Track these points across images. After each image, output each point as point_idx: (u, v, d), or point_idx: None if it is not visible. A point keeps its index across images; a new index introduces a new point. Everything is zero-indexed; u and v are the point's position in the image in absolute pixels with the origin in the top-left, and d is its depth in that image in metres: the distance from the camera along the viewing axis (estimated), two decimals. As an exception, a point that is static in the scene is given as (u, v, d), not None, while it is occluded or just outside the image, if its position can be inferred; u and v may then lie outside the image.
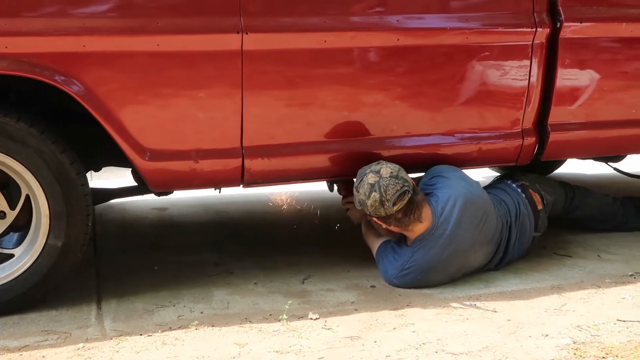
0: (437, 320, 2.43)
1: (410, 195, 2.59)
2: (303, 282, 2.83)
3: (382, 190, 2.56)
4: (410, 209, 2.61)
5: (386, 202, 2.57)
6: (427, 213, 2.67)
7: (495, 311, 2.51)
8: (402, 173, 2.62)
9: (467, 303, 2.59)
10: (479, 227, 2.75)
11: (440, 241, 2.66)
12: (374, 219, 2.69)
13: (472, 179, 2.85)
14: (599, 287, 2.77)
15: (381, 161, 2.67)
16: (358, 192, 2.63)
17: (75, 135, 2.60)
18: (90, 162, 2.89)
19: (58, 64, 2.34)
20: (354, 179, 2.71)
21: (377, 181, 2.58)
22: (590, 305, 2.58)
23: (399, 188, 2.57)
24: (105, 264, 3.02)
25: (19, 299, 2.45)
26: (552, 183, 3.28)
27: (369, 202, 2.59)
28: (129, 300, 2.61)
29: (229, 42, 2.50)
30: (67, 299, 2.58)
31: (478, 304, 2.59)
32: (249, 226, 3.69)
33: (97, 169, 3.03)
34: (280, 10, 2.56)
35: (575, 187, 3.39)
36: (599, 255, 3.18)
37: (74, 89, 2.36)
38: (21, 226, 2.50)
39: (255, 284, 2.80)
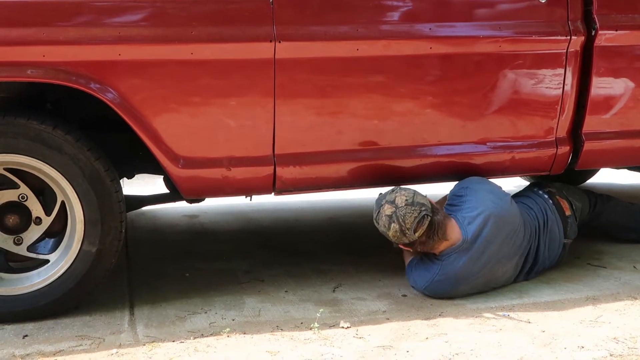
0: (469, 330, 2.40)
1: (429, 218, 2.57)
2: (334, 290, 2.82)
3: (401, 220, 2.56)
4: (433, 231, 2.60)
5: (407, 231, 2.57)
6: (452, 229, 2.65)
7: (529, 322, 2.48)
8: (418, 198, 2.60)
9: (500, 313, 2.56)
10: (508, 241, 2.72)
11: (469, 255, 2.64)
12: (400, 245, 2.68)
13: (501, 191, 2.82)
14: (635, 298, 2.73)
15: (395, 188, 2.66)
16: (378, 224, 2.63)
17: (108, 142, 2.64)
18: (123, 169, 2.92)
19: (93, 72, 2.36)
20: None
21: (394, 212, 2.57)
22: (627, 317, 2.54)
23: (416, 215, 2.56)
24: (137, 270, 3.05)
25: (54, 304, 2.48)
26: (576, 190, 3.25)
27: (390, 233, 2.60)
28: (161, 307, 2.62)
29: (262, 50, 2.51)
30: (100, 305, 2.61)
31: (511, 314, 2.56)
32: (279, 234, 3.69)
33: (130, 176, 3.06)
34: (312, 18, 2.57)
35: (598, 195, 3.35)
36: (634, 267, 3.13)
37: (108, 97, 2.39)
38: (56, 232, 2.53)
39: (286, 291, 2.80)
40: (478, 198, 2.72)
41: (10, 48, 2.29)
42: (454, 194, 2.82)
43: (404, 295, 2.76)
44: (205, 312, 2.58)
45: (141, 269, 3.07)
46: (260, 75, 2.53)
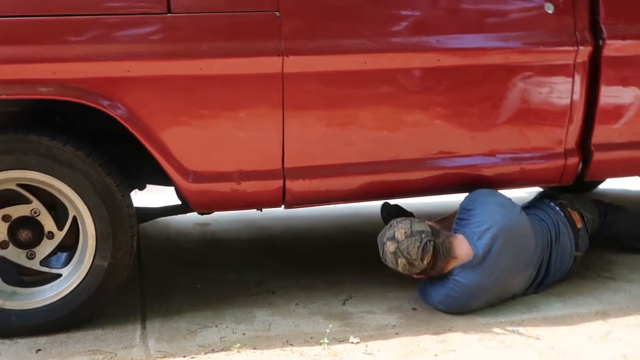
0: (479, 346, 2.41)
1: (432, 243, 2.59)
2: (344, 303, 2.83)
3: (405, 253, 2.59)
4: (440, 253, 2.62)
5: (415, 262, 2.59)
6: (459, 245, 2.66)
7: (539, 338, 2.48)
8: (415, 226, 2.62)
9: (510, 329, 2.56)
10: (519, 253, 2.72)
11: (481, 270, 2.64)
12: (414, 275, 2.70)
13: (510, 203, 2.81)
14: (645, 314, 2.72)
15: (392, 223, 2.68)
16: (386, 261, 2.66)
17: (118, 153, 2.65)
18: (134, 180, 2.95)
19: (103, 89, 2.38)
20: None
21: (396, 247, 2.60)
22: (637, 333, 2.52)
23: (419, 244, 2.58)
24: (150, 281, 3.07)
25: (67, 317, 2.51)
26: (586, 200, 3.24)
27: (400, 269, 2.64)
28: (172, 320, 2.65)
29: (270, 64, 2.52)
30: (112, 318, 2.63)
31: (520, 329, 2.56)
32: (290, 243, 3.70)
33: (141, 188, 3.09)
34: (320, 32, 2.57)
35: (607, 204, 3.34)
36: (645, 278, 3.12)
37: (118, 113, 2.41)
38: (69, 246, 2.56)
39: (296, 304, 2.81)
40: (486, 212, 2.72)
41: (21, 66, 2.31)
42: (463, 207, 2.82)
43: (414, 309, 2.76)
44: (216, 326, 2.59)
45: (154, 279, 3.09)
46: (269, 90, 2.54)
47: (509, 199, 2.83)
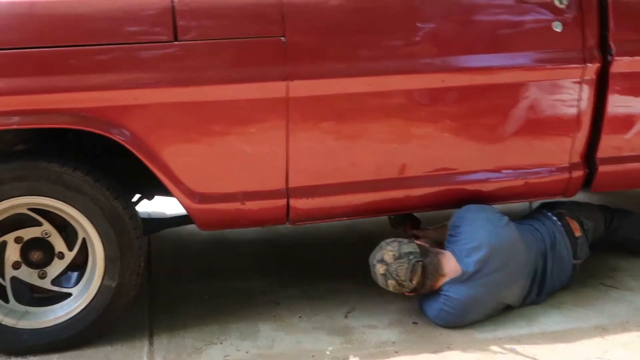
0: (475, 368, 2.47)
1: (421, 264, 2.67)
2: (346, 316, 2.90)
3: (395, 275, 2.68)
4: (428, 272, 2.71)
5: (404, 283, 2.68)
6: (447, 263, 2.74)
7: (535, 359, 2.53)
8: (404, 248, 2.71)
9: (508, 347, 2.62)
10: (508, 266, 2.77)
11: (470, 285, 2.71)
12: (405, 294, 2.78)
13: (497, 217, 2.84)
14: (644, 330, 2.76)
15: (381, 244, 2.77)
16: (377, 282, 2.76)
17: (128, 166, 2.70)
18: (143, 191, 3.02)
19: (112, 117, 2.43)
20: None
21: (386, 269, 2.70)
22: (633, 352, 2.57)
23: (407, 266, 2.67)
24: (159, 291, 3.16)
25: (77, 336, 2.60)
26: (591, 208, 3.26)
27: (390, 289, 2.74)
28: (179, 335, 2.73)
29: (275, 89, 2.55)
30: (121, 333, 2.71)
31: (518, 347, 2.62)
32: (296, 244, 3.76)
33: (150, 198, 3.16)
34: (324, 57, 2.59)
35: (615, 210, 3.36)
36: (647, 287, 3.15)
37: (126, 139, 2.46)
38: (79, 265, 2.64)
39: (299, 317, 2.89)
40: (473, 229, 2.78)
41: (36, 96, 2.37)
42: (452, 224, 2.87)
43: (415, 323, 2.83)
44: (221, 343, 2.68)
45: (163, 289, 3.18)
46: (274, 114, 2.58)
47: (496, 213, 2.87)
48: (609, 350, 2.60)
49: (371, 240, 3.19)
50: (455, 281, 2.71)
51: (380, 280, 2.75)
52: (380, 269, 2.73)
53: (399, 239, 2.77)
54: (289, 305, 3.01)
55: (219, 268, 3.45)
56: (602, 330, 2.76)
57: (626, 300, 3.02)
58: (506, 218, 2.87)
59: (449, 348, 2.62)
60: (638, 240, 3.40)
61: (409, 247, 2.72)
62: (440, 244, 2.94)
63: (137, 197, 3.08)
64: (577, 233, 3.02)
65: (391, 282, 2.72)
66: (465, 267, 2.70)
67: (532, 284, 2.90)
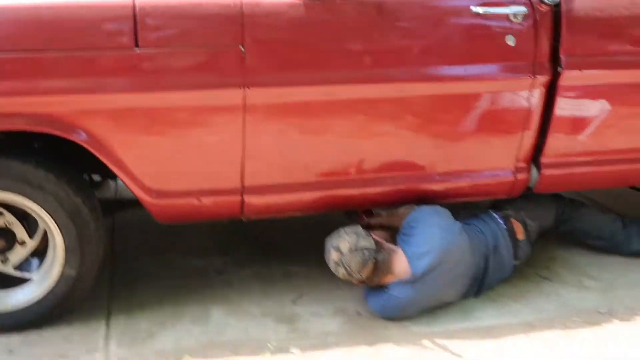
0: (406, 364, 2.68)
1: (373, 260, 2.83)
2: (295, 302, 3.09)
3: (346, 266, 2.83)
4: (379, 268, 2.87)
5: (354, 274, 2.84)
6: (398, 263, 2.89)
7: (461, 357, 2.74)
8: (361, 242, 2.84)
9: (440, 342, 2.82)
10: (454, 270, 2.95)
11: (415, 287, 2.88)
12: (353, 283, 2.94)
13: (450, 224, 2.99)
14: (566, 327, 2.95)
15: (340, 232, 2.90)
16: (329, 265, 2.90)
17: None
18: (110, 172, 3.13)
19: (75, 121, 2.53)
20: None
21: (339, 258, 2.84)
22: (552, 355, 2.78)
23: (360, 260, 2.81)
24: (120, 266, 3.32)
25: (38, 319, 2.78)
26: (540, 204, 3.41)
27: (340, 276, 2.89)
28: (134, 318, 2.91)
29: (232, 96, 2.65)
30: (80, 313, 2.86)
31: (449, 343, 2.81)
32: (258, 226, 3.77)
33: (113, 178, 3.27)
34: (281, 65, 2.68)
35: (569, 200, 3.53)
36: (579, 281, 3.35)
37: (89, 141, 2.57)
38: (41, 252, 2.79)
39: (250, 302, 3.07)
40: (427, 234, 2.93)
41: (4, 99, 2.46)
42: (407, 223, 3.02)
43: (358, 313, 3.02)
44: (174, 327, 2.86)
45: (123, 266, 3.34)
46: (231, 120, 2.69)
47: (450, 219, 3.03)
48: (530, 350, 2.82)
49: (330, 223, 3.25)
50: (402, 282, 2.88)
51: (331, 266, 2.91)
52: (334, 255, 2.88)
53: (358, 231, 2.89)
54: (242, 287, 3.20)
55: (179, 244, 3.60)
56: (529, 327, 2.97)
57: (556, 295, 3.23)
58: (459, 224, 3.03)
59: (385, 340, 2.82)
60: (588, 233, 3.58)
61: (366, 241, 2.86)
62: (392, 230, 3.12)
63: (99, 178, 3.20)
64: (520, 236, 3.20)
65: (341, 271, 2.88)
66: (414, 270, 2.87)
67: (473, 284, 3.10)
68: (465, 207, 3.41)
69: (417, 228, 2.96)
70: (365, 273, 2.85)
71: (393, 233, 3.11)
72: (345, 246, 2.85)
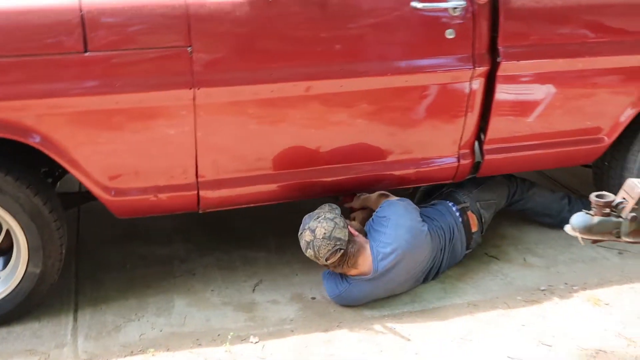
0: (356, 351, 2.83)
1: (342, 252, 2.94)
2: (254, 289, 3.25)
3: (316, 249, 2.94)
4: (344, 260, 2.98)
5: (320, 258, 2.96)
6: (364, 260, 3.01)
7: (409, 339, 2.90)
8: (336, 232, 2.93)
9: (390, 326, 2.98)
10: (414, 268, 3.11)
11: (375, 284, 3.04)
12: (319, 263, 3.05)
13: (419, 227, 3.09)
14: (508, 307, 3.13)
15: (320, 214, 3.00)
16: (300, 241, 3.01)
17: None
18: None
19: (30, 125, 2.62)
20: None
21: (312, 240, 2.94)
22: (493, 333, 2.95)
23: (330, 248, 2.92)
24: (85, 257, 3.45)
25: (5, 316, 2.90)
26: (494, 188, 3.57)
27: (307, 254, 3.00)
28: (101, 310, 3.05)
29: (182, 97, 2.75)
30: (48, 307, 3.01)
31: (398, 327, 2.97)
32: (220, 211, 3.99)
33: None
34: (229, 65, 2.79)
35: (521, 181, 3.71)
36: (524, 259, 3.53)
37: (45, 145, 2.67)
38: (6, 251, 2.90)
39: (212, 290, 3.22)
40: (395, 234, 3.03)
41: None
42: (378, 215, 3.15)
43: (313, 298, 3.19)
44: (139, 319, 3.00)
45: (89, 255, 3.46)
46: (183, 119, 2.79)
47: (418, 218, 3.15)
48: (473, 330, 2.99)
49: (295, 206, 3.40)
50: (363, 278, 3.04)
51: (302, 244, 3.01)
52: (307, 236, 2.97)
53: (337, 220, 2.97)
54: (204, 275, 3.34)
55: (143, 231, 3.73)
56: (474, 307, 3.15)
57: (502, 274, 3.41)
58: (426, 229, 3.14)
59: (338, 327, 2.99)
60: (538, 212, 3.79)
61: (340, 233, 2.95)
62: (370, 210, 3.30)
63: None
64: (474, 228, 3.37)
65: (310, 252, 2.98)
66: (376, 268, 3.01)
67: (428, 276, 3.27)
68: (429, 195, 3.59)
69: (388, 227, 3.07)
70: (331, 260, 2.97)
71: (371, 213, 3.28)
72: (320, 232, 2.95)
